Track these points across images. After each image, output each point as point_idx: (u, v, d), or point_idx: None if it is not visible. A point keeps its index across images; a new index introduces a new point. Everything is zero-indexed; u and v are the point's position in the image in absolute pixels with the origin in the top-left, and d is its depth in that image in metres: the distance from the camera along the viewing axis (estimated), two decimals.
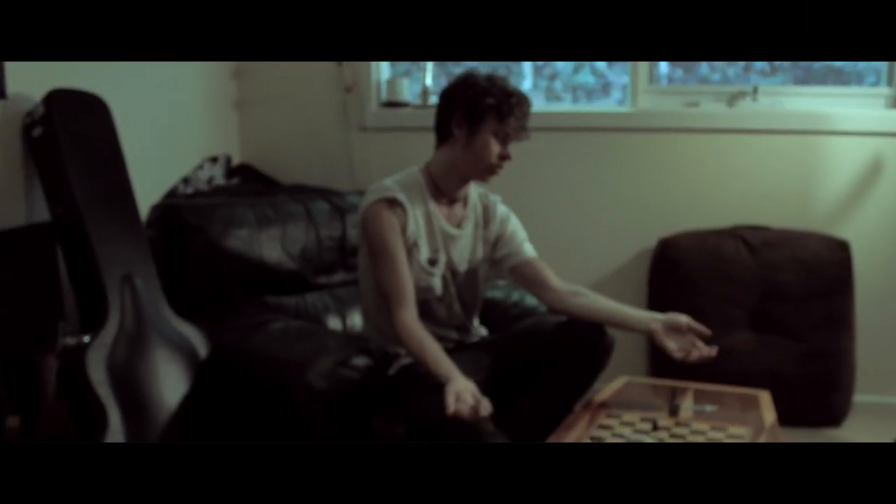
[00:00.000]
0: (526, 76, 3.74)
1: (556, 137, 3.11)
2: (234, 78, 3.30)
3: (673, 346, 2.02)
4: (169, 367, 2.03)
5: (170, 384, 2.01)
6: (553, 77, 3.76)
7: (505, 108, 2.07)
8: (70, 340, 1.93)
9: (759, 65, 3.34)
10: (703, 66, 3.43)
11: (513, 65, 3.69)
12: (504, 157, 2.12)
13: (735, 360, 2.75)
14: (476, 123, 2.08)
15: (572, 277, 2.36)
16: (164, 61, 2.59)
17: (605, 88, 3.55)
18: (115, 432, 1.84)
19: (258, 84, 3.34)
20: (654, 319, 2.07)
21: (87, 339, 1.91)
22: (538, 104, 3.48)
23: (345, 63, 3.17)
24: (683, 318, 2.05)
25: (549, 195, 3.13)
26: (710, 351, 2.00)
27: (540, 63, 3.73)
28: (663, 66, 3.47)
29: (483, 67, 2.33)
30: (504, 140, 2.10)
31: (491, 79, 2.12)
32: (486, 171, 2.15)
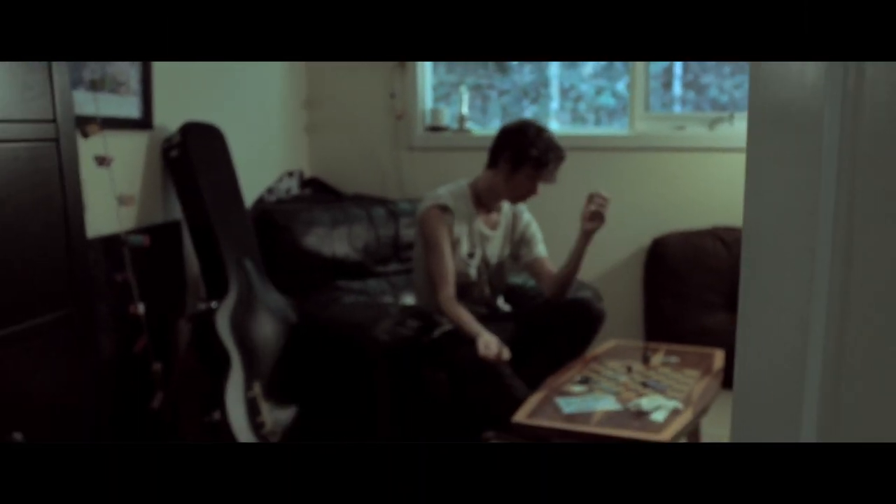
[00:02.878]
0: (553, 98, 4.15)
1: (572, 155, 3.64)
2: (305, 107, 3.89)
3: (597, 222, 2.65)
4: (272, 326, 2.70)
5: (272, 339, 2.68)
6: (578, 99, 4.16)
7: (544, 160, 2.66)
8: (202, 306, 2.62)
9: None
10: (713, 89, 3.85)
11: (542, 88, 4.20)
12: (533, 192, 2.75)
13: (713, 336, 3.31)
14: (518, 165, 2.68)
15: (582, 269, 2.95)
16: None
17: (625, 109, 3.90)
18: (236, 370, 2.51)
19: (325, 112, 3.89)
20: (580, 231, 2.69)
21: (214, 304, 2.59)
22: (563, 125, 4.03)
23: (396, 95, 3.75)
24: (591, 206, 2.66)
25: (566, 202, 3.49)
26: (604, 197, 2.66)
27: (566, 86, 4.22)
28: (677, 89, 3.91)
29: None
30: (535, 181, 2.71)
31: (540, 132, 2.69)
32: (517, 199, 2.78)
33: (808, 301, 0.82)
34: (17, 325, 1.41)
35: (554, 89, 4.14)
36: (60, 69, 1.47)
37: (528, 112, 4.19)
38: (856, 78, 0.74)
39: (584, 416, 2.08)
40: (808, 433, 0.84)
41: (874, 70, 0.73)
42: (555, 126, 3.96)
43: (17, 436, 1.36)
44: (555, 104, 4.13)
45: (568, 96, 4.17)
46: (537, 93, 4.19)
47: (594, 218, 2.64)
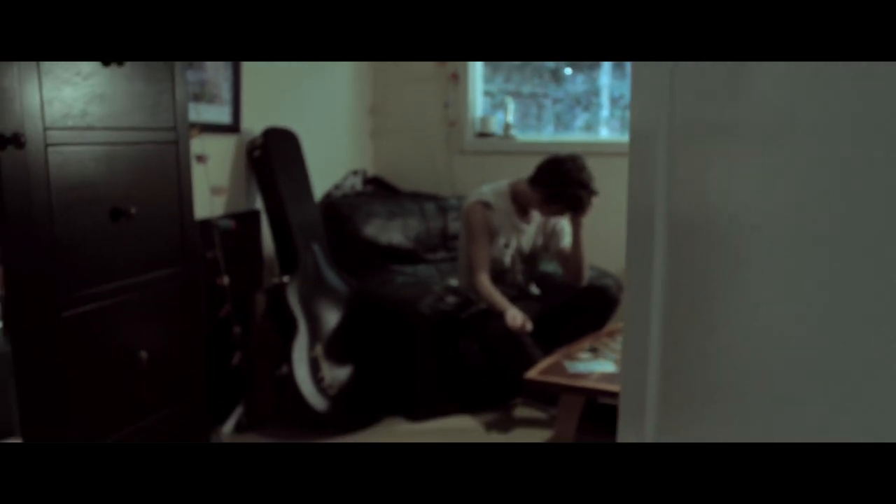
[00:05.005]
0: (604, 106, 4.39)
1: (613, 159, 3.63)
2: (370, 114, 4.35)
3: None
4: (333, 299, 3.20)
5: (334, 310, 3.18)
6: (627, 107, 4.50)
7: (576, 203, 3.01)
8: (276, 280, 3.13)
9: None
10: None
11: (594, 97, 4.52)
12: (561, 216, 3.16)
13: None
14: (553, 200, 3.06)
15: (613, 258, 3.30)
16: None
17: None
18: (302, 334, 3.01)
19: (387, 119, 4.34)
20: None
21: (286, 279, 3.10)
22: (612, 131, 4.29)
23: (449, 105, 4.19)
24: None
25: (607, 201, 3.53)
26: None
27: (616, 95, 4.51)
28: None
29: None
30: (564, 213, 3.11)
31: (580, 175, 2.99)
32: (546, 216, 3.20)
33: (649, 308, 0.82)
34: (146, 275, 1.93)
35: (604, 98, 4.39)
36: (181, 87, 1.99)
37: (580, 119, 4.48)
38: (673, 78, 0.77)
39: (585, 376, 2.51)
40: (650, 434, 0.85)
41: (686, 70, 0.75)
42: (604, 133, 4.29)
43: (143, 354, 1.88)
44: (605, 112, 4.39)
45: (618, 104, 4.40)
46: (589, 101, 4.44)
47: None
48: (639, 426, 0.85)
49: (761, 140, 0.64)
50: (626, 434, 0.91)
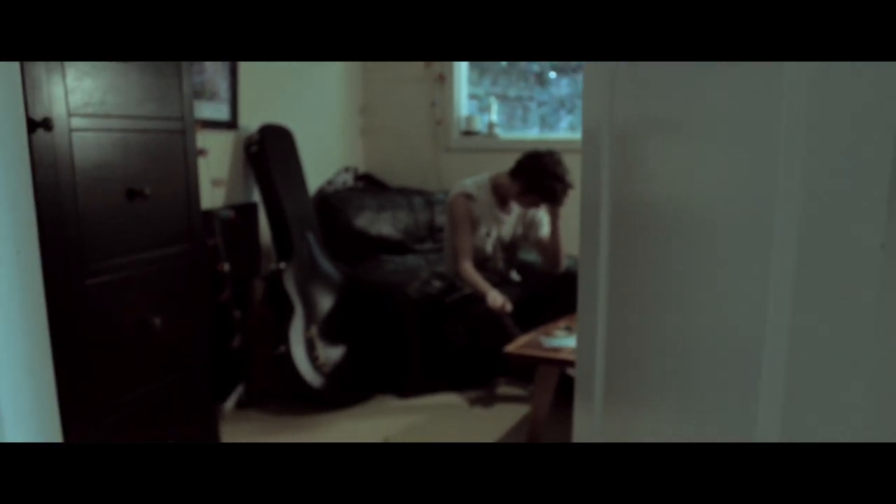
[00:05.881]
0: None
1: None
2: (361, 114, 4.57)
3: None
4: (327, 285, 3.40)
5: (327, 295, 3.38)
6: None
7: (551, 195, 3.21)
8: (273, 266, 3.33)
9: None
10: None
11: (577, 99, 4.70)
12: (537, 207, 3.37)
13: None
14: (531, 191, 3.26)
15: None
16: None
17: None
18: (298, 316, 3.21)
19: (377, 118, 4.55)
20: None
21: (282, 265, 3.30)
22: None
23: (436, 104, 4.41)
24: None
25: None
26: None
27: None
28: None
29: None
30: (540, 203, 3.32)
31: (556, 169, 3.18)
32: (525, 207, 3.41)
33: (597, 291, 0.84)
34: (158, 251, 2.14)
35: None
36: (186, 82, 2.20)
37: (565, 121, 4.67)
38: (614, 78, 0.79)
39: (559, 350, 2.71)
40: (598, 401, 0.87)
41: (624, 70, 0.76)
42: None
43: (157, 321, 2.08)
44: None
45: None
46: (573, 104, 4.62)
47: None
48: (589, 396, 0.89)
49: (689, 133, 0.65)
50: (581, 402, 0.94)
